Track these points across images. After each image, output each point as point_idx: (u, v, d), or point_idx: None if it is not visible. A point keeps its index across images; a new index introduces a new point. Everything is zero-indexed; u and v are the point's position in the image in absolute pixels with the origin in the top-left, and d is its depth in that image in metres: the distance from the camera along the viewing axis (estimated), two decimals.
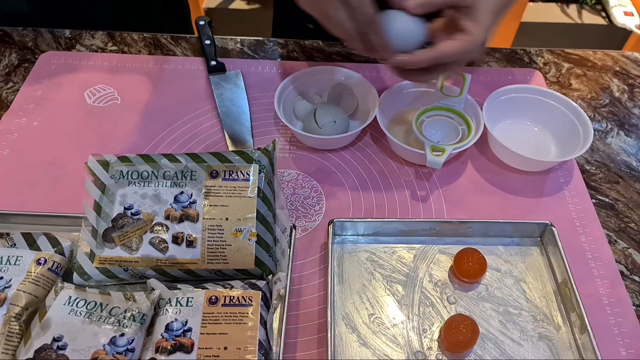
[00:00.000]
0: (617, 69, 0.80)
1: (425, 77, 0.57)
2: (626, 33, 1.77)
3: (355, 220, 0.57)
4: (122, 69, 0.75)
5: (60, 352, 0.43)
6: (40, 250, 0.49)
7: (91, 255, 0.49)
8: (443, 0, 0.52)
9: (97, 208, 0.50)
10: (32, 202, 0.59)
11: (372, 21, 0.49)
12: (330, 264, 0.53)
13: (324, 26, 0.52)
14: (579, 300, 0.51)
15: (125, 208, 0.50)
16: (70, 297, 0.46)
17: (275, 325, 0.49)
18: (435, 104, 0.65)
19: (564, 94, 0.68)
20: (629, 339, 0.52)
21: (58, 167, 0.62)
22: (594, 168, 0.67)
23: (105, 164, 0.52)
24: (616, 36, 1.79)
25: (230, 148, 0.65)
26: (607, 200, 0.64)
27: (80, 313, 0.45)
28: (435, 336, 0.51)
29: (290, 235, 0.54)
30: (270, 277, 0.50)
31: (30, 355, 0.42)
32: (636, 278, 0.57)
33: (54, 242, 0.50)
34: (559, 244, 0.55)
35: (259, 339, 0.45)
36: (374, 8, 0.49)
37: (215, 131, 0.68)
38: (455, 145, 0.61)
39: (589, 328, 0.49)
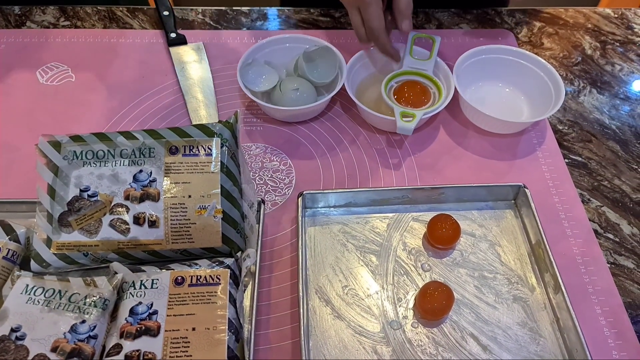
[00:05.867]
0: (589, 26, 0.79)
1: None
2: None
3: (325, 191, 0.55)
4: (76, 45, 0.71)
5: (19, 342, 0.41)
6: None
7: (48, 242, 0.47)
8: None
9: (51, 192, 0.48)
10: None
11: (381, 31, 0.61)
12: (300, 237, 0.51)
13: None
14: (552, 260, 0.50)
15: (81, 190, 0.48)
16: (27, 285, 0.44)
17: (247, 302, 0.48)
18: (405, 68, 0.63)
19: (536, 53, 0.67)
20: (603, 296, 0.52)
21: (11, 150, 0.59)
22: (566, 127, 0.66)
23: (56, 145, 0.49)
24: None
25: (194, 123, 0.62)
26: (579, 159, 0.63)
27: (38, 302, 0.43)
28: (411, 305, 0.50)
29: (259, 210, 0.52)
30: (239, 254, 0.49)
31: None
32: (610, 236, 0.57)
33: (8, 229, 0.48)
34: (532, 205, 0.54)
35: (229, 318, 0.43)
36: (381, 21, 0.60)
37: (177, 107, 0.65)
38: (425, 109, 0.59)
39: (562, 287, 0.48)
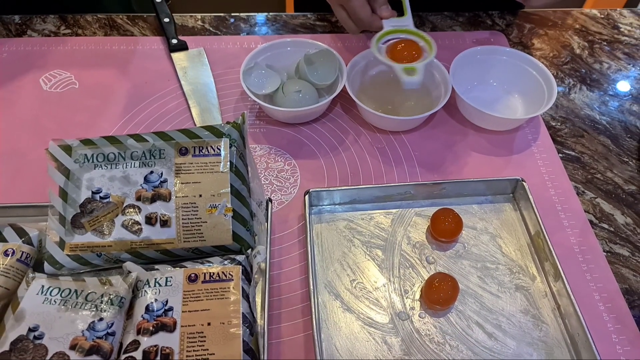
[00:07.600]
0: (577, 26, 0.82)
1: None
2: None
3: (331, 189, 0.57)
4: (78, 53, 0.72)
5: (38, 341, 0.41)
6: (7, 242, 0.47)
7: (61, 244, 0.47)
8: None
9: (63, 194, 0.48)
10: None
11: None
12: (308, 234, 0.52)
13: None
14: (552, 249, 0.52)
15: (93, 192, 0.48)
16: (42, 286, 0.44)
17: (258, 299, 0.49)
18: (387, 28, 0.64)
19: (527, 53, 0.69)
20: (601, 283, 0.54)
21: (17, 157, 0.60)
22: (559, 124, 0.69)
23: (67, 149, 0.49)
24: None
25: (203, 125, 0.64)
26: (573, 153, 0.65)
27: (54, 301, 0.43)
28: (417, 296, 0.51)
29: (267, 209, 0.54)
30: (249, 251, 0.50)
31: (7, 347, 0.41)
32: (605, 226, 0.59)
33: (21, 232, 0.48)
34: (531, 198, 0.56)
35: (243, 312, 0.44)
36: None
37: (181, 110, 0.66)
38: (424, 62, 0.60)
39: (562, 275, 0.50)
